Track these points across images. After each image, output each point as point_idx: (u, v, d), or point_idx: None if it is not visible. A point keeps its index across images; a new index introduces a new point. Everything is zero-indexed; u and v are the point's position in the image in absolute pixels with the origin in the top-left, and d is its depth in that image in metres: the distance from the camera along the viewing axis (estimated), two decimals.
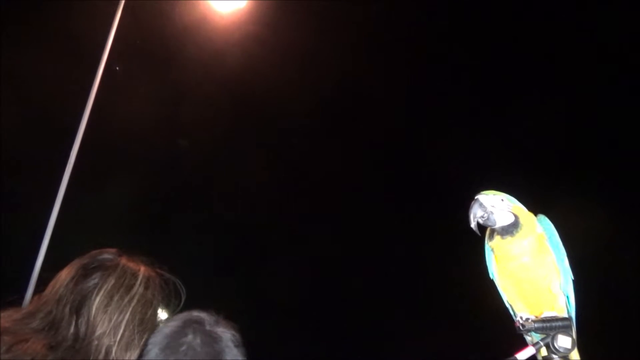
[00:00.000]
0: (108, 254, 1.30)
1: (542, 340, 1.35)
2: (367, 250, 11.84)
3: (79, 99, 5.11)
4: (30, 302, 1.24)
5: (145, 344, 1.15)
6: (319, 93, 11.01)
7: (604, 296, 7.89)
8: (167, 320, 1.20)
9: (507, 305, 1.55)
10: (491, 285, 1.57)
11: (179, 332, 1.13)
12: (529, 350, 1.34)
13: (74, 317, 1.17)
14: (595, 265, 7.95)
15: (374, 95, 11.58)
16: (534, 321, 1.38)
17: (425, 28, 10.97)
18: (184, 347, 1.11)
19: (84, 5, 7.99)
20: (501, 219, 1.43)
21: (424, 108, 11.81)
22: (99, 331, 1.15)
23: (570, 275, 1.48)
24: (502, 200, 1.44)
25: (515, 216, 1.43)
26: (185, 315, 1.18)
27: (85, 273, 1.23)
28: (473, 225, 1.44)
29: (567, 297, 1.48)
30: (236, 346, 1.19)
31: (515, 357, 1.31)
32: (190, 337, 1.12)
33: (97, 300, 1.18)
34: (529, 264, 1.44)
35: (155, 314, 1.27)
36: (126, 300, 1.21)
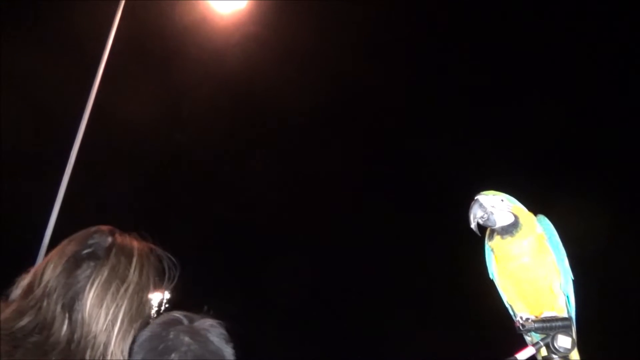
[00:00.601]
0: (100, 235, 1.21)
1: (542, 340, 1.34)
2: (367, 250, 11.83)
3: (79, 98, 5.12)
4: (20, 293, 1.14)
5: (133, 341, 1.12)
6: (318, 93, 11.01)
7: (604, 296, 7.88)
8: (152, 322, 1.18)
9: (507, 305, 1.55)
10: (491, 285, 1.57)
11: (161, 334, 1.11)
12: (529, 350, 1.33)
13: (67, 315, 1.09)
14: (595, 265, 7.95)
15: (374, 94, 11.59)
16: (534, 321, 1.38)
17: (425, 28, 10.98)
18: (169, 343, 1.10)
19: (84, 5, 7.99)
20: (501, 219, 1.42)
21: (423, 108, 11.81)
22: (95, 328, 1.08)
23: (570, 276, 1.48)
24: (502, 200, 1.44)
25: (515, 216, 1.42)
26: (163, 317, 1.16)
27: (76, 263, 1.14)
28: (473, 225, 1.44)
29: (567, 297, 1.48)
30: (221, 335, 1.18)
31: (515, 357, 1.31)
32: (172, 335, 1.11)
33: (90, 295, 1.10)
34: (529, 264, 1.44)
35: (149, 297, 1.21)
36: (122, 291, 1.13)
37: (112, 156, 10.32)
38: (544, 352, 1.34)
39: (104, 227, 1.25)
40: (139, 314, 1.16)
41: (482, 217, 1.43)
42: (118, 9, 5.52)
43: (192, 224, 11.52)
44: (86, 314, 1.09)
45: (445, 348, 9.37)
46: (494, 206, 1.43)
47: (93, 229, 1.23)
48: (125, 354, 1.12)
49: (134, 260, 1.19)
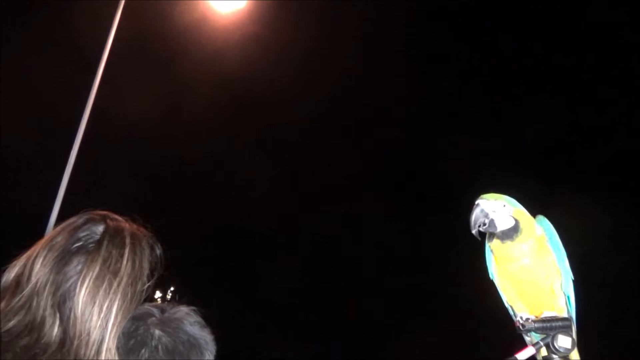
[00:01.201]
0: (91, 224, 1.16)
1: (542, 340, 1.34)
2: (367, 250, 11.83)
3: (79, 98, 5.12)
4: (7, 288, 1.08)
5: None
6: (318, 92, 11.02)
7: (604, 296, 7.88)
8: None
9: (507, 306, 1.55)
10: (491, 286, 1.57)
11: (130, 330, 1.07)
12: (529, 350, 1.33)
13: (57, 314, 1.05)
14: (595, 265, 7.95)
15: (374, 95, 11.59)
16: (534, 321, 1.38)
17: (425, 28, 10.98)
18: (138, 339, 1.06)
19: (84, 5, 7.99)
20: (502, 224, 1.42)
21: (423, 108, 11.81)
22: (88, 325, 1.04)
23: (570, 276, 1.48)
24: (504, 205, 1.43)
25: (516, 220, 1.42)
26: (135, 311, 1.12)
27: (65, 258, 1.09)
28: (474, 232, 1.44)
29: (568, 297, 1.48)
30: (195, 323, 1.13)
31: (515, 357, 1.31)
32: (141, 330, 1.07)
33: (82, 293, 1.05)
34: (529, 265, 1.44)
35: (143, 284, 1.16)
36: (114, 285, 1.09)
37: (112, 156, 10.33)
38: (544, 352, 1.34)
39: (96, 215, 1.20)
40: (133, 304, 1.12)
41: (483, 222, 1.43)
42: (118, 9, 5.52)
43: (192, 223, 11.52)
44: (78, 312, 1.05)
45: (445, 348, 9.38)
46: (494, 211, 1.42)
47: (85, 217, 1.19)
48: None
49: (126, 251, 1.14)
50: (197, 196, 12.26)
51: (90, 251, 1.11)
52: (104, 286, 1.08)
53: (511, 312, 1.54)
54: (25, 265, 1.11)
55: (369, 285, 12.04)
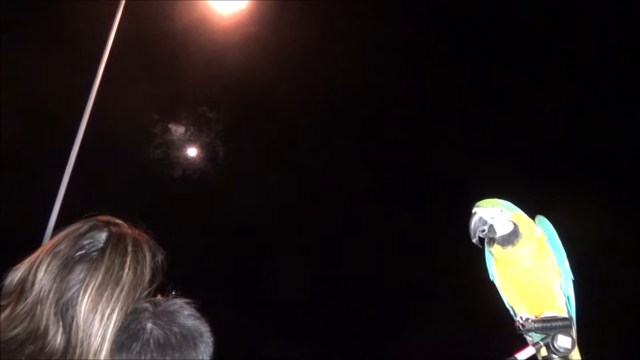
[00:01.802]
0: (95, 232, 1.17)
1: (542, 340, 1.35)
2: (367, 250, 11.83)
3: (79, 98, 5.11)
4: (10, 293, 1.10)
5: None
6: (319, 93, 11.02)
7: (604, 296, 7.88)
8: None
9: (508, 307, 1.55)
10: (491, 286, 1.57)
11: (122, 326, 1.08)
12: (529, 350, 1.34)
13: (61, 322, 1.06)
14: (595, 266, 7.95)
15: (374, 95, 11.59)
16: (534, 321, 1.38)
17: (425, 29, 10.98)
18: (130, 334, 1.06)
19: (84, 5, 7.99)
20: (501, 229, 1.43)
21: (423, 108, 11.82)
22: (89, 333, 1.05)
23: (570, 276, 1.48)
24: (502, 210, 1.43)
25: (515, 224, 1.42)
26: (131, 308, 1.12)
27: (69, 266, 1.11)
28: (475, 240, 1.44)
29: (568, 297, 1.48)
30: (189, 316, 1.13)
31: (515, 357, 1.31)
32: (134, 324, 1.07)
33: (85, 301, 1.07)
34: (529, 267, 1.44)
35: (143, 290, 1.17)
36: (116, 293, 1.10)
37: (112, 156, 10.33)
38: (544, 352, 1.34)
39: (100, 221, 1.22)
40: (132, 307, 1.13)
41: (482, 230, 1.43)
42: (118, 9, 5.52)
43: (192, 223, 11.52)
44: (81, 321, 1.06)
45: (446, 348, 9.38)
46: (493, 217, 1.43)
47: (88, 224, 1.20)
48: None
49: (128, 259, 1.15)
50: (197, 195, 12.26)
51: (93, 259, 1.12)
52: (106, 294, 1.09)
53: (511, 313, 1.54)
54: (29, 271, 1.12)
55: (369, 285, 12.04)
